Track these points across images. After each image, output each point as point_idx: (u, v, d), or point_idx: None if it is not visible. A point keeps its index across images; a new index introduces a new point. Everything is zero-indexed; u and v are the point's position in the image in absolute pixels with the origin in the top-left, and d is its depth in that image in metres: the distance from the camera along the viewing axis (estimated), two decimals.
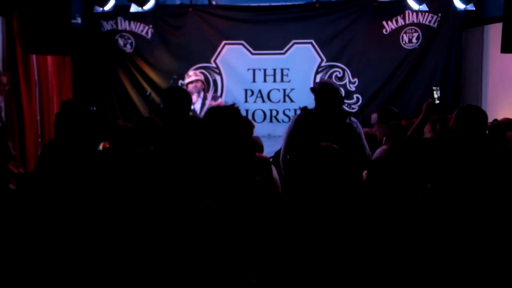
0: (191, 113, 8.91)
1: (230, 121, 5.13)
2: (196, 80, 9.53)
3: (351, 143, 5.94)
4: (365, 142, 6.26)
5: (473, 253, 3.36)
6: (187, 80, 9.67)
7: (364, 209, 3.57)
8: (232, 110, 5.31)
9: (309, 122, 6.13)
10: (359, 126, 6.31)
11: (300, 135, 5.73)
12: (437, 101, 5.85)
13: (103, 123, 4.28)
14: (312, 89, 6.33)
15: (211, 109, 5.77)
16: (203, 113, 9.12)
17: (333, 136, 5.29)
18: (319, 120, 6.10)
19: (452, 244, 3.43)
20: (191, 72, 9.75)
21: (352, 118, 6.34)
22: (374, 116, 7.27)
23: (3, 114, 8.38)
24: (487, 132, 5.73)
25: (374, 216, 3.56)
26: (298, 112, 6.47)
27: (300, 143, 4.22)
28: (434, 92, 5.91)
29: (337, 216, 3.48)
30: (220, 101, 9.65)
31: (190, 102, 6.09)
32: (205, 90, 9.68)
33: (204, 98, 9.48)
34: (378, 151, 6.06)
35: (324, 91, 6.21)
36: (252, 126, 6.43)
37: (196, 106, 9.37)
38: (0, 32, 8.88)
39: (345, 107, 11.06)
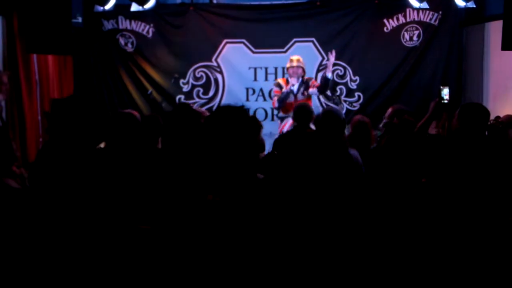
0: (290, 94, 9.66)
1: (238, 122, 5.14)
2: (298, 66, 9.76)
3: (349, 170, 5.96)
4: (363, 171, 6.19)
5: (471, 251, 3.36)
6: (288, 64, 9.87)
7: (359, 205, 3.57)
8: (240, 111, 5.32)
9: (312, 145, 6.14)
10: (358, 156, 6.27)
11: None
12: (445, 100, 5.86)
13: (100, 117, 4.25)
14: (316, 118, 6.38)
15: (219, 109, 5.80)
16: (299, 93, 9.65)
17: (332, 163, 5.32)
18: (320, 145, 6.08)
19: (450, 241, 3.43)
20: (294, 58, 9.87)
21: (351, 150, 6.31)
22: (389, 111, 7.37)
23: (4, 114, 8.38)
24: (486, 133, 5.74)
25: (368, 212, 3.56)
26: None
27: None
28: (442, 91, 5.92)
29: (331, 212, 3.48)
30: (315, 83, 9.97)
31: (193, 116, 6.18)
32: (304, 75, 9.86)
33: (302, 81, 9.73)
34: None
35: (326, 119, 6.20)
36: (260, 127, 6.49)
37: (294, 88, 9.65)
38: (0, 31, 8.89)
39: (346, 105, 11.08)
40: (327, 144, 3.94)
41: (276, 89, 9.82)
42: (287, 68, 9.85)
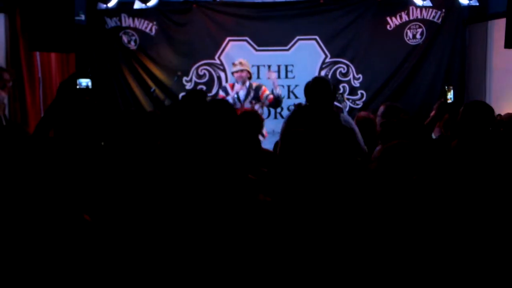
0: (232, 101, 9.16)
1: (231, 114, 5.16)
2: (242, 70, 9.50)
3: (343, 137, 5.95)
4: (359, 136, 6.20)
5: (473, 250, 3.35)
6: (233, 69, 9.68)
7: (361, 205, 3.56)
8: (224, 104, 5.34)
9: (301, 117, 6.10)
10: (351, 122, 6.29)
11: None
12: (450, 101, 5.87)
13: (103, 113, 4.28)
14: (305, 87, 6.33)
15: (212, 102, 5.84)
16: (247, 102, 9.37)
17: (324, 131, 5.29)
18: (311, 115, 6.07)
19: (454, 239, 3.43)
20: (237, 62, 9.73)
21: (345, 115, 6.34)
22: (381, 109, 7.38)
23: (7, 112, 8.38)
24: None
25: (370, 211, 3.55)
26: (292, 108, 6.56)
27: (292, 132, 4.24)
28: (447, 92, 5.93)
29: (332, 209, 3.47)
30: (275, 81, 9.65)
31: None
32: (250, 79, 9.64)
33: (250, 87, 9.50)
34: (375, 151, 6.06)
35: (314, 85, 6.19)
36: (261, 120, 6.53)
37: (241, 94, 9.41)
38: (3, 29, 8.89)
39: (349, 103, 11.06)
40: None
41: (221, 93, 9.59)
42: (232, 73, 9.73)
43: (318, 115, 6.02)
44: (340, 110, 8.00)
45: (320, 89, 6.13)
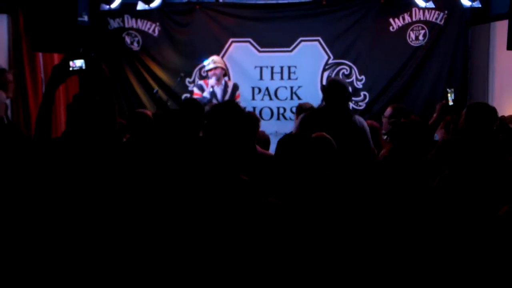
0: (209, 96, 9.49)
1: (231, 117, 5.16)
2: (215, 68, 9.69)
3: (356, 139, 6.04)
4: (369, 137, 6.31)
5: (474, 248, 3.34)
6: (207, 67, 9.88)
7: (366, 207, 3.55)
8: (232, 105, 5.35)
9: (315, 119, 6.19)
10: (364, 123, 6.39)
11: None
12: (451, 103, 5.87)
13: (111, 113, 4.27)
14: (322, 87, 6.47)
15: (213, 107, 5.87)
16: (226, 98, 9.52)
17: (339, 133, 5.34)
18: (326, 118, 6.15)
19: (456, 241, 3.42)
20: (209, 59, 9.89)
21: (357, 116, 6.43)
22: (388, 110, 7.42)
23: (9, 112, 8.39)
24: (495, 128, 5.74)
25: (376, 214, 3.55)
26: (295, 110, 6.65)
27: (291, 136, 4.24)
28: (448, 93, 5.94)
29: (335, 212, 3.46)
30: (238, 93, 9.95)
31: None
32: (225, 75, 9.93)
33: (226, 85, 9.72)
34: (382, 151, 6.08)
35: (331, 87, 6.28)
36: (257, 121, 6.50)
37: (217, 90, 9.61)
38: (5, 30, 8.91)
39: (352, 105, 11.05)
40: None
41: (197, 91, 9.80)
42: (207, 72, 9.95)
43: (333, 118, 6.10)
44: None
45: (335, 91, 6.22)
